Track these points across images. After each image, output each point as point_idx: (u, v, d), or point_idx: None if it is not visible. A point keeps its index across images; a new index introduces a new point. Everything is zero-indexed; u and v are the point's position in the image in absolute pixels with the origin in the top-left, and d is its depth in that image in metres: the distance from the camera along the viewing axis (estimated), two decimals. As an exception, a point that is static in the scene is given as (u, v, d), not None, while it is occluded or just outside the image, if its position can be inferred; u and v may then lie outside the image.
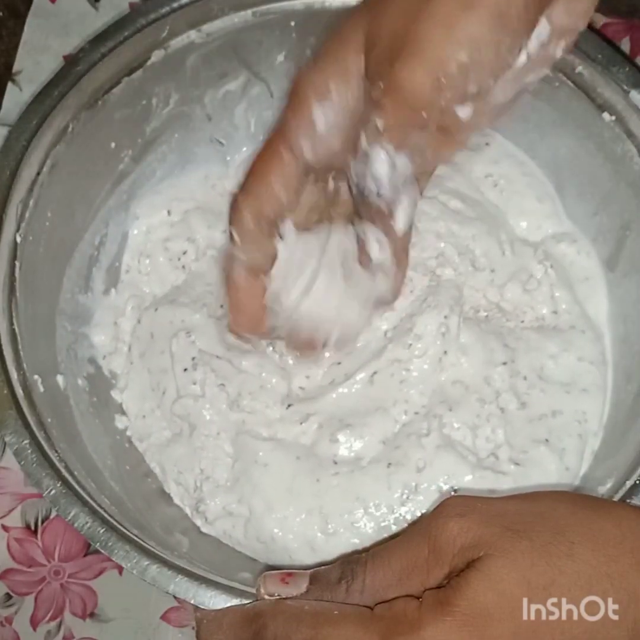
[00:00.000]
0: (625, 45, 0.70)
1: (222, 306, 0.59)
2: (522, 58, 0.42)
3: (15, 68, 0.71)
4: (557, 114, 0.60)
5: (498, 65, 0.40)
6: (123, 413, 0.60)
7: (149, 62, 0.58)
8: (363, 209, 0.46)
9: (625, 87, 0.55)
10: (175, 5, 0.57)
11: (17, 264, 0.53)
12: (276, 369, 0.57)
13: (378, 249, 0.45)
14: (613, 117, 0.56)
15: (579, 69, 0.57)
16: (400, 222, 0.45)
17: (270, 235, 0.49)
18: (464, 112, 0.42)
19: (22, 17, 0.72)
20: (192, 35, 0.58)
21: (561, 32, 0.42)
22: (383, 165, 0.41)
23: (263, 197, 0.47)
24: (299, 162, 0.46)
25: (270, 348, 0.57)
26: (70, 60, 0.56)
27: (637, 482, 0.48)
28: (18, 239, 0.53)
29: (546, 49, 0.42)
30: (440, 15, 0.38)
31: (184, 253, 0.63)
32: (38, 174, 0.54)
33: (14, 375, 0.50)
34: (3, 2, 0.73)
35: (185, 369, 0.57)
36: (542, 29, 0.41)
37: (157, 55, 0.58)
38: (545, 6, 0.40)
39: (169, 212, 0.64)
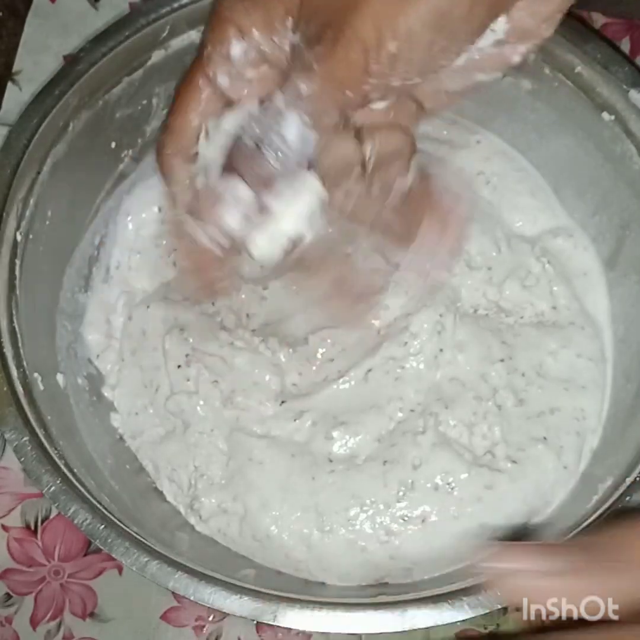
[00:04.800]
0: (625, 45, 0.70)
1: (213, 304, 0.60)
2: (463, 59, 0.40)
3: (15, 68, 0.71)
4: (557, 114, 0.60)
5: (428, 65, 0.38)
6: (116, 410, 0.60)
7: (149, 62, 0.58)
8: (241, 163, 0.41)
9: (624, 87, 0.55)
10: (175, 5, 0.57)
11: (18, 262, 0.53)
12: (269, 365, 0.57)
13: (232, 213, 0.40)
14: (612, 117, 0.56)
15: (579, 68, 0.57)
16: (274, 200, 0.41)
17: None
18: (378, 106, 0.41)
19: (22, 17, 0.72)
20: (192, 35, 0.58)
21: (522, 34, 0.40)
22: (296, 131, 0.38)
23: (184, 131, 0.44)
24: (218, 93, 0.44)
25: (263, 345, 0.57)
26: (71, 60, 0.56)
27: (637, 479, 0.48)
28: (18, 238, 0.53)
29: (502, 49, 0.40)
30: (380, 3, 0.36)
31: (175, 250, 0.63)
32: (38, 173, 0.55)
33: (14, 373, 0.50)
34: (3, 2, 0.73)
35: (178, 366, 0.57)
36: (499, 25, 0.39)
37: (157, 55, 0.58)
38: (498, 14, 0.38)
39: (159, 209, 0.64)
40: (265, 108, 0.39)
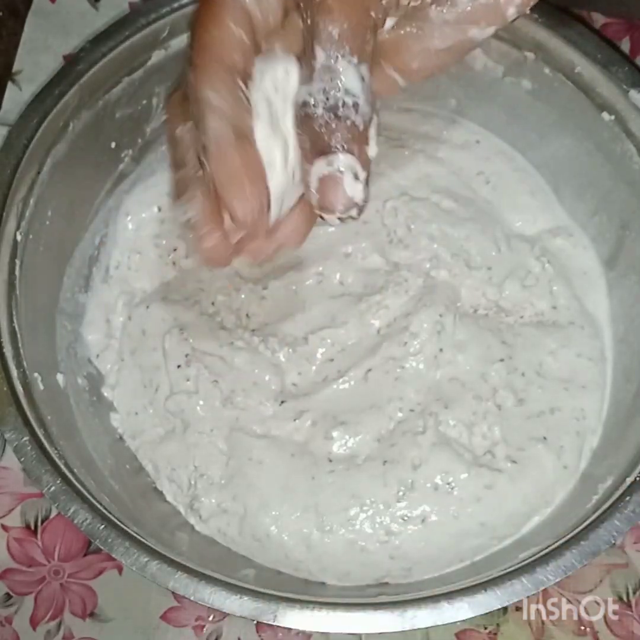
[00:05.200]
0: (625, 45, 0.70)
1: (213, 303, 0.60)
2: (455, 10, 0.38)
3: (15, 68, 0.71)
4: (557, 114, 0.60)
5: None
6: (116, 410, 0.60)
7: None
8: (329, 137, 0.38)
9: (624, 87, 0.55)
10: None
11: (18, 262, 0.53)
12: (268, 365, 0.57)
13: (353, 182, 0.38)
14: (612, 117, 0.57)
15: (579, 68, 0.57)
16: (372, 147, 0.39)
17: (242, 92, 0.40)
18: (389, 23, 0.39)
19: (22, 17, 0.72)
20: (193, 35, 0.58)
21: None
22: (355, 76, 0.37)
23: (226, 42, 0.39)
24: (244, 11, 0.40)
25: (263, 345, 0.57)
26: (71, 60, 0.56)
27: (637, 479, 0.48)
28: (18, 237, 0.53)
29: None
30: None
31: (174, 250, 0.63)
32: (38, 173, 0.55)
33: (14, 372, 0.50)
34: (3, 2, 0.73)
35: (178, 366, 0.57)
36: None
37: (157, 55, 0.58)
38: None
39: (159, 209, 0.64)
40: (314, 77, 0.38)
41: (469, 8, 0.39)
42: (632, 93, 0.55)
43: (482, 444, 0.55)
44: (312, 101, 0.37)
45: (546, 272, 0.60)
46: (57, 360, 0.57)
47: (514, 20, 0.39)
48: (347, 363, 0.57)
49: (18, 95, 0.70)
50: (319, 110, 0.37)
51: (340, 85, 0.37)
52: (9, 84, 0.71)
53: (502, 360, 0.56)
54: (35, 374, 0.52)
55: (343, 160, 0.38)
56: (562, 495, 0.55)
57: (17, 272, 0.53)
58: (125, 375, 0.60)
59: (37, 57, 0.72)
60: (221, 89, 0.39)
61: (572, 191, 0.63)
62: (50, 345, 0.56)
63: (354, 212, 0.39)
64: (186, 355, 0.57)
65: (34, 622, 0.58)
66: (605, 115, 0.57)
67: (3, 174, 0.53)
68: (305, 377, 0.57)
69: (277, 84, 0.40)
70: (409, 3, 0.38)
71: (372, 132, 0.38)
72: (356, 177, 0.38)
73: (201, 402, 0.56)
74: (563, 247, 0.62)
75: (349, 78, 0.37)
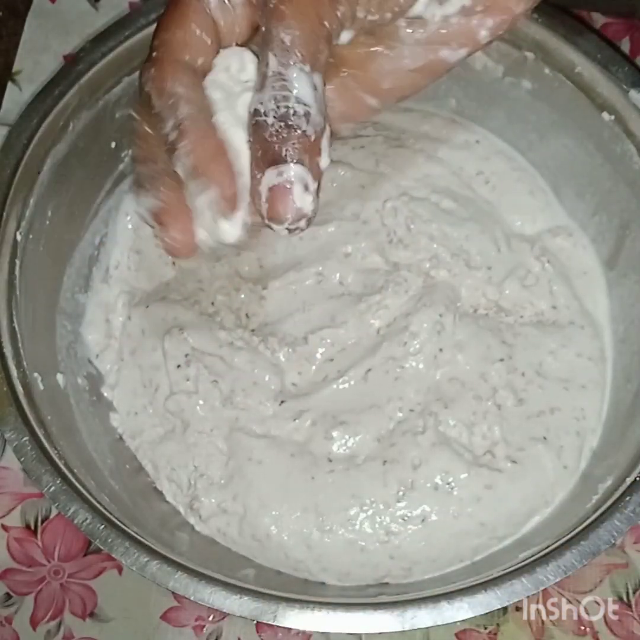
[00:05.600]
0: (625, 45, 0.70)
1: (212, 303, 0.60)
2: (419, 8, 0.38)
3: (15, 68, 0.71)
4: (557, 114, 0.60)
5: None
6: (115, 410, 0.60)
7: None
8: (279, 147, 0.37)
9: (624, 87, 0.55)
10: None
11: (18, 262, 0.53)
12: (268, 365, 0.57)
13: (303, 193, 0.37)
14: (612, 117, 0.56)
15: (579, 68, 0.57)
16: (324, 159, 0.38)
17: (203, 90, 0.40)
18: (345, 36, 0.39)
19: (22, 17, 0.72)
20: (193, 35, 0.58)
21: (492, 5, 0.38)
22: (307, 85, 0.36)
23: (186, 43, 0.39)
24: (209, 16, 0.40)
25: (263, 344, 0.57)
26: (71, 60, 0.56)
27: (637, 479, 0.48)
28: (18, 237, 0.53)
29: (469, 20, 0.39)
30: None
31: None
32: (38, 173, 0.55)
33: (14, 372, 0.50)
34: (3, 2, 0.73)
35: (178, 366, 0.57)
36: None
37: (157, 55, 0.58)
38: None
39: None
40: (266, 84, 0.37)
41: (440, 29, 0.39)
42: (632, 93, 0.55)
43: (482, 443, 0.55)
44: (262, 109, 0.37)
45: (546, 271, 0.60)
46: (57, 360, 0.57)
47: (488, 43, 0.39)
48: (346, 363, 0.57)
49: (18, 95, 0.70)
50: (270, 119, 0.37)
51: (291, 93, 0.36)
52: (9, 84, 0.71)
53: (502, 360, 0.56)
54: (35, 374, 0.52)
55: (293, 171, 0.37)
56: (562, 495, 0.55)
57: (17, 272, 0.53)
58: (125, 375, 0.60)
59: (37, 57, 0.72)
60: (187, 82, 0.39)
61: (572, 191, 0.63)
62: (50, 345, 0.56)
63: (302, 223, 0.38)
64: (186, 355, 0.57)
65: (34, 622, 0.58)
66: (605, 115, 0.57)
67: (3, 174, 0.53)
68: (305, 377, 0.57)
69: (233, 73, 0.40)
70: (366, 17, 0.38)
71: (325, 143, 0.38)
72: (306, 188, 0.37)
73: (201, 402, 0.56)
74: (563, 247, 0.62)
75: (301, 86, 0.36)
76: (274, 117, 0.36)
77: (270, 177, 0.37)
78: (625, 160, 0.57)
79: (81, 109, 0.56)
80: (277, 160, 0.37)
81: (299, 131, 0.36)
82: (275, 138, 0.36)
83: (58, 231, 0.57)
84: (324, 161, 0.38)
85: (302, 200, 0.37)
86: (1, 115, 0.70)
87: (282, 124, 0.36)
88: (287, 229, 0.38)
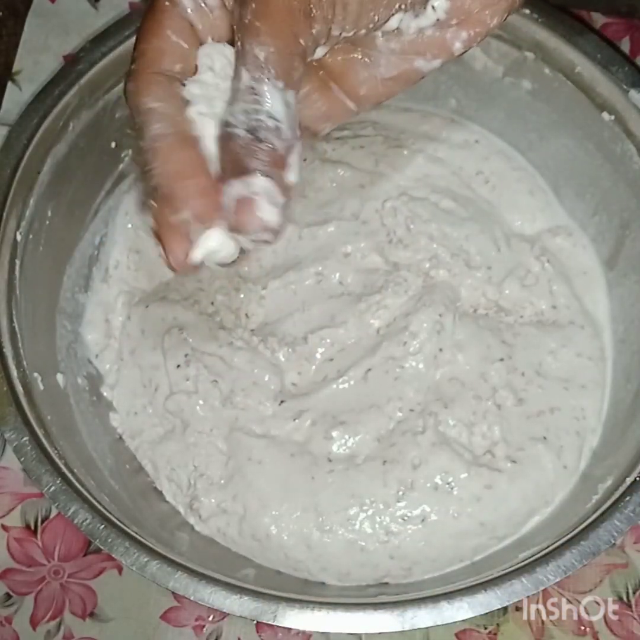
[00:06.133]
0: (625, 45, 0.70)
1: (212, 303, 0.60)
2: (394, 23, 0.39)
3: (15, 68, 0.71)
4: (557, 114, 0.60)
5: (362, 15, 0.38)
6: (115, 410, 0.60)
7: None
8: (248, 159, 0.38)
9: (624, 87, 0.55)
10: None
11: (18, 262, 0.53)
12: (268, 365, 0.57)
13: (269, 207, 0.38)
14: (612, 117, 0.57)
15: (579, 69, 0.57)
16: (293, 174, 0.38)
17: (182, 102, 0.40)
18: (320, 52, 0.39)
19: (22, 17, 0.72)
20: (192, 34, 0.58)
21: (464, 16, 0.39)
22: (279, 101, 0.37)
23: (168, 51, 0.39)
24: (186, 21, 0.40)
25: (262, 344, 0.57)
26: (71, 60, 0.56)
27: (637, 479, 0.48)
28: (18, 237, 0.53)
29: (444, 33, 0.39)
30: None
31: None
32: (38, 173, 0.55)
33: (14, 372, 0.50)
34: (3, 2, 0.73)
35: (178, 366, 0.57)
36: (439, 1, 0.38)
37: (157, 55, 0.58)
38: None
39: None
40: (238, 97, 0.37)
41: (415, 40, 0.39)
42: (632, 93, 0.55)
43: (481, 443, 0.55)
44: (233, 121, 0.37)
45: (546, 271, 0.60)
46: (57, 360, 0.57)
47: (462, 54, 0.40)
48: (346, 363, 0.57)
49: (18, 95, 0.70)
50: (240, 131, 0.37)
51: (262, 107, 0.37)
52: (9, 84, 0.71)
53: (501, 359, 0.56)
54: (35, 374, 0.52)
55: (260, 184, 0.37)
56: (562, 495, 0.55)
57: (17, 272, 0.53)
58: (125, 375, 0.60)
59: (37, 57, 0.72)
60: (161, 95, 0.39)
61: (572, 191, 0.63)
62: (50, 345, 0.56)
63: (268, 236, 0.38)
64: (186, 355, 0.57)
65: (34, 622, 0.58)
66: (605, 115, 0.57)
67: (3, 174, 0.53)
68: (305, 376, 0.57)
69: (217, 71, 0.40)
70: (340, 34, 0.38)
71: (294, 159, 0.38)
72: (273, 201, 0.37)
73: (201, 402, 0.56)
74: (563, 247, 0.62)
75: (273, 102, 0.37)
76: (245, 129, 0.37)
77: (237, 188, 0.37)
78: (625, 160, 0.57)
79: (81, 109, 0.56)
80: (244, 171, 0.37)
81: (268, 145, 0.37)
82: (244, 150, 0.37)
83: (58, 231, 0.57)
84: (293, 177, 0.38)
85: (268, 214, 0.37)
86: (1, 115, 0.69)
87: (252, 136, 0.37)
88: (252, 240, 0.38)
